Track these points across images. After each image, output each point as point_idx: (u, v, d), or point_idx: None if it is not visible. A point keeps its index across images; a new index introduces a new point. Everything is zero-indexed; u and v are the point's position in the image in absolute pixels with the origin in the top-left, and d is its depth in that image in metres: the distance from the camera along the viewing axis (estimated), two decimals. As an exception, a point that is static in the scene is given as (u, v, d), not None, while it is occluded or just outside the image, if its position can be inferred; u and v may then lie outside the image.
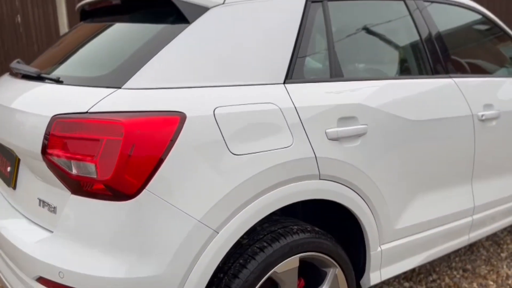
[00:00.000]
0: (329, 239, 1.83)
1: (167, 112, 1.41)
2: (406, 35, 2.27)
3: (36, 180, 1.62)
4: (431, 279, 2.82)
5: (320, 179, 1.72)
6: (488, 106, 2.42)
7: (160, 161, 1.38)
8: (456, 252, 3.15)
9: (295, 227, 1.74)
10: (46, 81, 1.67)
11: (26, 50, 6.50)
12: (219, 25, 1.67)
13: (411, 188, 2.09)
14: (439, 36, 2.36)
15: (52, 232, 1.50)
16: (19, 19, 6.42)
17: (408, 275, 2.86)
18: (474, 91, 2.41)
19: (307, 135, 1.67)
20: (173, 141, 1.39)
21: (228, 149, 1.49)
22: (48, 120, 1.44)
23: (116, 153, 1.34)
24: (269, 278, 1.65)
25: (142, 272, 1.37)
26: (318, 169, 1.69)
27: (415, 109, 2.07)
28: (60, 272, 1.42)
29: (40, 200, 1.58)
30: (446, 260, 3.04)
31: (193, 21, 1.64)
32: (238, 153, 1.50)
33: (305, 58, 1.84)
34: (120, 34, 1.83)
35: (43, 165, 1.47)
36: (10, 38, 6.46)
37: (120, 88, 1.45)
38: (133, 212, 1.37)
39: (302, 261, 1.81)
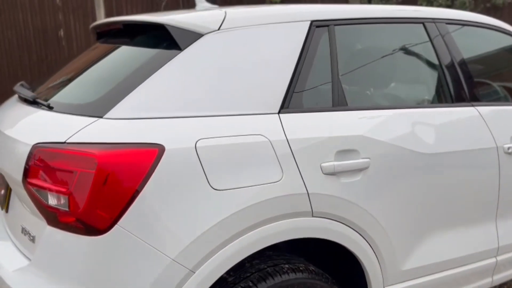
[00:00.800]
0: (324, 279, 1.71)
1: (145, 144, 1.36)
2: (423, 62, 2.12)
3: (22, 207, 1.61)
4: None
5: (313, 216, 1.61)
6: (515, 138, 2.22)
7: (134, 196, 1.32)
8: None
9: (287, 265, 1.64)
10: (40, 106, 1.67)
11: (68, 62, 6.75)
12: (212, 52, 1.61)
13: (422, 227, 1.94)
14: (463, 62, 2.19)
15: (30, 261, 1.49)
16: (62, 32, 6.68)
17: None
18: (501, 121, 2.22)
19: (298, 169, 1.57)
20: (148, 175, 1.34)
21: (209, 184, 1.41)
22: (30, 148, 1.43)
23: (88, 186, 1.30)
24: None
25: None
26: (311, 205, 1.59)
27: (429, 141, 1.92)
28: None
29: (22, 228, 1.57)
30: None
31: (185, 48, 1.59)
32: (219, 188, 1.43)
33: (306, 86, 1.74)
34: (117, 59, 1.81)
35: (25, 193, 1.46)
36: (53, 50, 6.74)
37: (101, 117, 1.41)
38: (104, 248, 1.32)
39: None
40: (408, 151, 1.83)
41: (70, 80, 1.89)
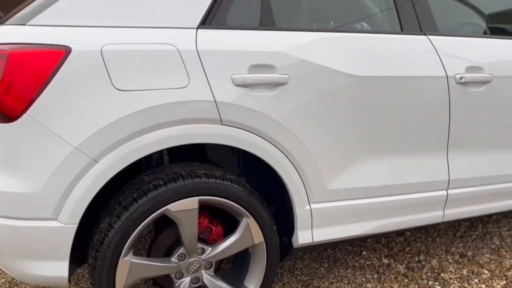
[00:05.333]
0: (241, 186, 1.81)
1: (54, 46, 1.54)
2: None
3: None
4: (416, 259, 2.62)
5: (222, 124, 1.71)
6: (474, 69, 2.16)
7: (42, 89, 1.51)
8: (464, 238, 2.87)
9: (202, 171, 1.77)
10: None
11: None
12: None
13: (353, 150, 1.97)
14: None
15: None
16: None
17: (392, 252, 2.69)
18: (459, 52, 2.16)
19: (207, 78, 1.67)
20: (55, 72, 1.51)
21: (113, 85, 1.57)
22: None
23: (0, 78, 1.50)
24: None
25: (20, 188, 1.53)
26: (219, 113, 1.69)
27: (362, 64, 1.93)
28: None
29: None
30: (448, 243, 2.79)
31: None
32: (122, 89, 1.57)
33: (233, 4, 1.82)
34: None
35: None
36: None
37: (24, 25, 1.60)
38: (14, 134, 1.52)
39: (214, 207, 1.84)
40: (335, 71, 1.87)
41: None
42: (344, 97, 1.90)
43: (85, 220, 1.65)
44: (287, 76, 1.79)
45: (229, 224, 1.90)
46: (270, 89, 1.77)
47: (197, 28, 1.74)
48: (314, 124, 1.86)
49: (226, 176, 1.81)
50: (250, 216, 1.84)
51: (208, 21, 1.77)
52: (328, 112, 1.88)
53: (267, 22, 1.86)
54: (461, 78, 2.11)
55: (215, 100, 1.68)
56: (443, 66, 2.09)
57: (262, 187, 2.01)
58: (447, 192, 2.22)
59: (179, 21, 1.72)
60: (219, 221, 1.94)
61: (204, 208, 1.85)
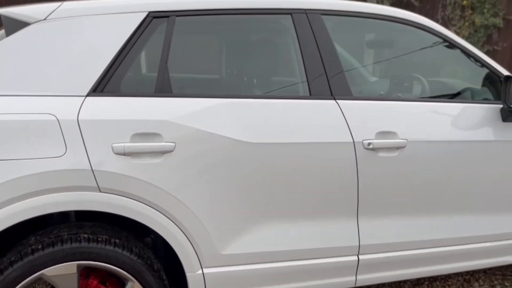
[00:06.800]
0: (127, 251, 1.82)
1: None
2: (275, 54, 2.11)
3: None
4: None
5: (101, 191, 1.75)
6: (385, 134, 2.12)
7: None
8: None
9: (85, 235, 1.80)
10: None
11: None
12: (34, 39, 1.80)
13: (249, 216, 1.96)
14: (333, 55, 2.13)
15: None
16: None
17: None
18: (367, 116, 2.12)
19: (85, 147, 1.72)
20: None
21: None
22: None
23: None
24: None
25: None
26: (96, 181, 1.73)
27: (258, 131, 1.93)
28: None
29: None
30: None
31: (9, 35, 1.82)
32: (-4, 158, 1.64)
33: (127, 72, 1.87)
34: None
35: None
36: None
37: None
38: None
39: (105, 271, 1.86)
40: (227, 138, 1.88)
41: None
42: (236, 164, 1.90)
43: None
44: (173, 144, 1.81)
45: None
46: (155, 157, 1.80)
47: (86, 95, 1.79)
48: (203, 191, 1.87)
49: (112, 240, 1.83)
50: (134, 280, 1.85)
51: (100, 88, 1.82)
52: (218, 179, 1.89)
53: (163, 89, 1.90)
54: (369, 144, 2.07)
55: (92, 169, 1.72)
56: (350, 132, 2.06)
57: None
58: (358, 257, 2.18)
59: (68, 88, 1.78)
60: (115, 280, 1.95)
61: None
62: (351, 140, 2.06)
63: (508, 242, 2.43)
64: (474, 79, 2.56)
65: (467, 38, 6.15)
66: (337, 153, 2.04)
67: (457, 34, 6.23)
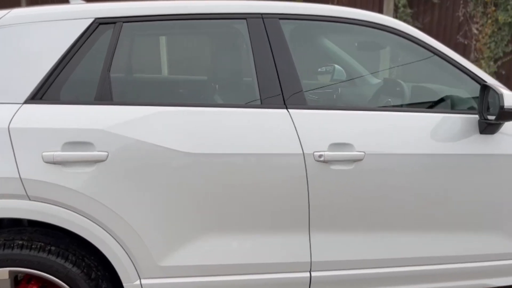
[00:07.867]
0: (61, 258, 1.82)
1: None
2: (226, 59, 2.04)
3: None
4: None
5: (30, 200, 1.74)
6: (339, 146, 2.00)
7: None
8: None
9: (19, 241, 1.81)
10: None
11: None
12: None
13: (189, 228, 1.91)
14: (287, 62, 2.03)
15: None
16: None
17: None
18: (320, 126, 2.01)
19: (14, 156, 1.72)
20: None
21: None
22: None
23: None
24: None
25: None
26: (25, 189, 1.72)
27: (202, 141, 1.88)
28: None
29: None
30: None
31: None
32: None
33: (67, 79, 1.86)
34: None
35: None
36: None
37: None
38: None
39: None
40: (163, 149, 1.83)
41: None
42: (173, 175, 1.85)
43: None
44: (105, 153, 1.78)
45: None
46: (86, 166, 1.78)
47: (24, 103, 1.79)
48: (138, 201, 1.83)
49: (47, 247, 1.83)
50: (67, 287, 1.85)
51: (38, 95, 1.81)
52: (154, 190, 1.84)
53: (103, 96, 1.87)
54: (320, 156, 1.97)
55: (20, 177, 1.72)
56: (300, 143, 1.97)
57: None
58: (310, 274, 2.08)
59: (5, 96, 1.78)
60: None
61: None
62: (301, 152, 1.96)
63: (481, 264, 2.25)
64: (456, 86, 2.39)
65: (490, 37, 5.81)
66: (284, 165, 1.95)
67: (480, 32, 5.90)
